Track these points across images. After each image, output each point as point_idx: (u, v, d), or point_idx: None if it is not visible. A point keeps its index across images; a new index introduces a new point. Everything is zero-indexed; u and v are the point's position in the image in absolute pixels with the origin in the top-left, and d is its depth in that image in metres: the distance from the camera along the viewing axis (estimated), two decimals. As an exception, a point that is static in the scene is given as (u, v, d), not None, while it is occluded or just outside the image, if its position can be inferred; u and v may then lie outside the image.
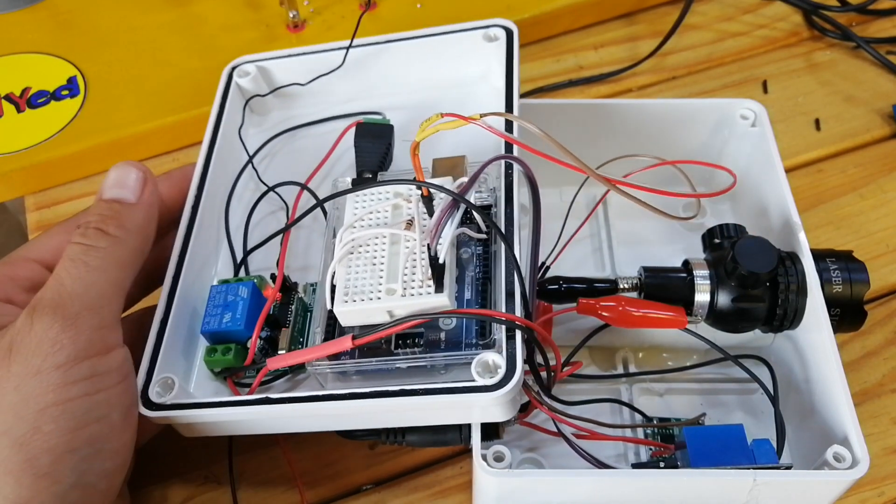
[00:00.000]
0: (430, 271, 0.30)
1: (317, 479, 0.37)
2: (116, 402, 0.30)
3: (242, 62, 0.42)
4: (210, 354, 0.33)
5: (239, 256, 0.38)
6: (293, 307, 0.35)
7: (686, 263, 0.36)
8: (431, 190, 0.32)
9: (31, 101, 0.51)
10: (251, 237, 0.38)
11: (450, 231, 0.30)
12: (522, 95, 0.52)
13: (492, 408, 0.29)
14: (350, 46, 0.41)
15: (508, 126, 0.34)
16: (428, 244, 0.30)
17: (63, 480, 0.27)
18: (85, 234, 0.31)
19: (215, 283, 0.36)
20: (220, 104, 0.41)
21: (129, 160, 0.34)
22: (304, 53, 0.42)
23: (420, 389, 0.29)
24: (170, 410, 0.31)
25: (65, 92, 0.51)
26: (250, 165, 0.40)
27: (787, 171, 0.39)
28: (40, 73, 0.53)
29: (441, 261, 0.30)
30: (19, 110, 0.51)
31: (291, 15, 0.53)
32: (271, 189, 0.39)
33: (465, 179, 0.32)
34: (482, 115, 0.31)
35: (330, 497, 0.37)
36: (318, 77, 0.41)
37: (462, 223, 0.32)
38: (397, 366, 0.31)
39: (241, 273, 0.37)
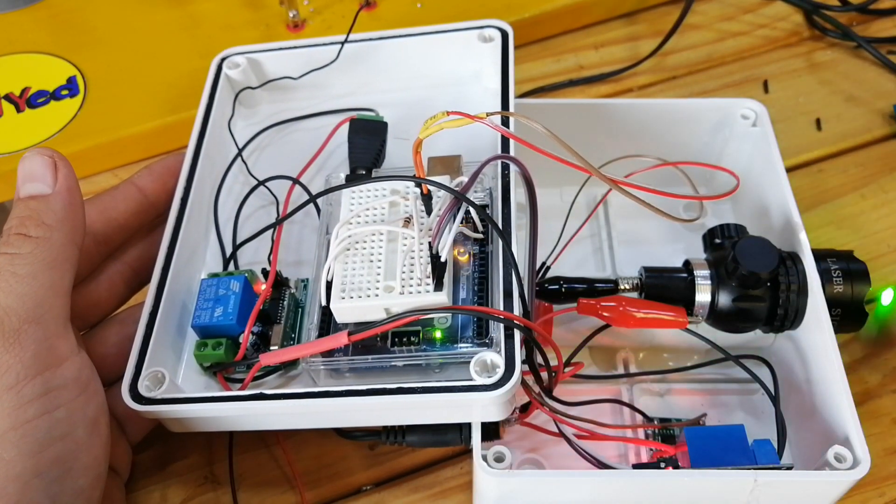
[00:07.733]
0: (429, 269, 0.30)
1: (317, 479, 0.37)
2: (79, 415, 0.28)
3: (232, 53, 0.42)
4: (200, 349, 0.33)
5: (228, 250, 0.37)
6: (284, 303, 0.35)
7: (687, 263, 0.36)
8: (430, 188, 0.32)
9: (30, 100, 0.51)
10: (240, 231, 0.38)
11: (452, 229, 0.30)
12: (523, 95, 0.52)
13: (489, 407, 0.29)
14: (345, 41, 0.40)
15: (507, 126, 0.34)
16: (430, 242, 0.30)
17: None
18: (7, 241, 0.29)
19: (204, 276, 0.35)
20: (209, 95, 0.40)
21: (38, 148, 0.31)
22: (295, 47, 0.41)
23: (418, 388, 0.29)
24: (161, 405, 0.30)
25: (64, 92, 0.51)
26: (239, 158, 0.40)
27: (788, 170, 0.39)
28: (40, 73, 0.53)
29: (443, 259, 0.30)
30: (19, 110, 0.51)
31: (291, 14, 0.53)
32: (262, 183, 0.39)
33: (464, 178, 0.32)
34: (489, 114, 0.30)
35: (330, 497, 0.37)
36: (310, 71, 0.41)
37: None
38: (392, 363, 0.31)
39: (231, 267, 0.37)
